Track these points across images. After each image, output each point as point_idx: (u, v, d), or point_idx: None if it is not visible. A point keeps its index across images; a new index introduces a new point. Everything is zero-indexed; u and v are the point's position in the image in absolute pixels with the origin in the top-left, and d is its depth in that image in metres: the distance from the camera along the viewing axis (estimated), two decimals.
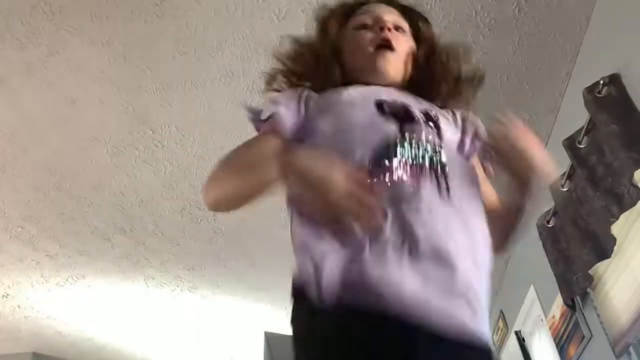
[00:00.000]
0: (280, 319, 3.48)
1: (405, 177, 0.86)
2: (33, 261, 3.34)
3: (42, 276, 3.48)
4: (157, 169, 2.76)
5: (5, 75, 2.28)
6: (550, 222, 2.33)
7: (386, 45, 1.09)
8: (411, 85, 1.12)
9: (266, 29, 2.15)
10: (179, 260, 3.38)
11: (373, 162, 0.87)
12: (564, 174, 2.19)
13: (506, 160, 0.94)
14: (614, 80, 1.87)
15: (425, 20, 1.23)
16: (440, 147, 0.93)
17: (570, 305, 2.23)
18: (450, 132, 1.02)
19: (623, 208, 1.73)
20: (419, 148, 0.91)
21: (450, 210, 0.86)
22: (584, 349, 2.16)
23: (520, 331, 2.80)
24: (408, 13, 1.20)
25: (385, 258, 0.77)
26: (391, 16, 1.15)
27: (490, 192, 1.06)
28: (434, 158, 0.91)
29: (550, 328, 2.47)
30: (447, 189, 0.87)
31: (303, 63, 1.16)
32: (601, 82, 1.88)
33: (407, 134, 0.92)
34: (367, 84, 1.07)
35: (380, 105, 0.97)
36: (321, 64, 1.13)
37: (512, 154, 0.93)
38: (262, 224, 3.07)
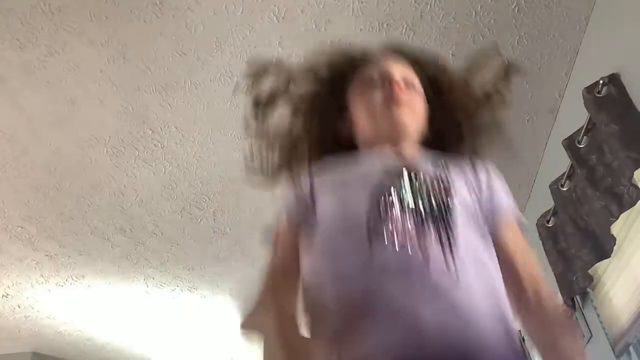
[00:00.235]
0: None
1: (409, 242, 0.80)
2: (33, 261, 3.34)
3: (42, 276, 3.48)
4: (157, 169, 2.76)
5: (5, 75, 2.28)
6: (550, 222, 2.33)
7: (396, 102, 1.02)
8: (425, 142, 1.05)
9: (266, 29, 2.15)
10: (179, 260, 3.38)
11: (373, 217, 0.83)
12: (564, 174, 2.19)
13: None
14: (614, 80, 1.87)
15: (441, 66, 1.14)
16: (450, 206, 0.86)
17: (570, 305, 2.23)
18: (465, 191, 0.93)
19: (623, 208, 1.73)
20: (424, 202, 0.85)
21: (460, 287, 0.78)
22: (584, 348, 2.16)
23: (520, 331, 2.80)
24: (419, 63, 1.11)
25: None
26: (399, 70, 1.06)
27: (523, 263, 0.92)
28: (442, 218, 0.84)
29: None
30: (453, 258, 0.80)
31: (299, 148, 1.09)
32: (601, 81, 1.88)
33: (416, 184, 0.87)
34: (381, 142, 1.01)
35: (386, 168, 0.92)
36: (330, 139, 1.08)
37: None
38: (262, 224, 3.07)
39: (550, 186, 2.29)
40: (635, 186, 1.69)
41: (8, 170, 2.72)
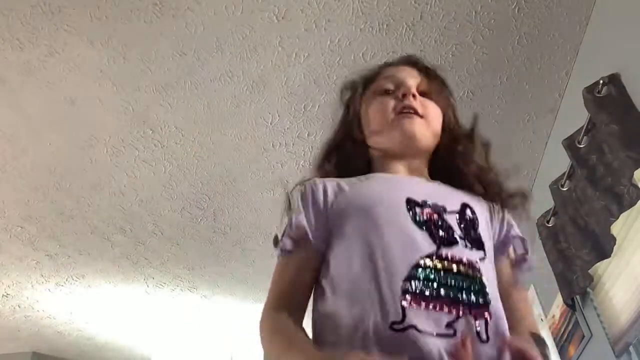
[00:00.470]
0: None
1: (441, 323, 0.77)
2: (33, 261, 3.34)
3: (42, 276, 3.48)
4: (157, 169, 2.76)
5: (5, 75, 2.28)
6: (550, 221, 2.33)
7: (410, 112, 1.01)
8: (438, 167, 1.04)
9: (266, 29, 2.15)
10: (179, 260, 3.39)
11: (403, 300, 0.78)
12: (564, 173, 2.19)
13: None
14: (614, 80, 1.87)
15: (449, 89, 1.13)
16: (481, 273, 0.83)
17: (570, 304, 2.23)
18: (486, 232, 0.92)
19: (623, 208, 1.73)
20: (457, 280, 0.81)
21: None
22: (583, 348, 2.16)
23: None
24: (434, 76, 1.11)
25: None
26: (415, 80, 1.06)
27: (517, 302, 0.94)
28: (475, 297, 0.81)
29: (550, 328, 2.47)
30: (487, 330, 0.79)
31: (332, 163, 1.05)
32: (601, 81, 1.88)
33: (445, 262, 0.82)
34: (393, 157, 1.01)
35: (411, 207, 0.88)
36: (346, 150, 1.05)
37: None
38: (262, 223, 3.08)
39: (550, 186, 2.29)
40: (635, 186, 1.69)
41: (8, 170, 2.72)
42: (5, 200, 2.89)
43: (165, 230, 3.14)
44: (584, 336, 2.15)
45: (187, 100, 2.43)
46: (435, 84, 1.09)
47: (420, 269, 0.81)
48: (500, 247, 0.97)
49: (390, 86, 1.06)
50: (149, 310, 3.89)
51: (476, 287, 0.81)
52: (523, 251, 0.98)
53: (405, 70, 1.09)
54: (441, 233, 0.86)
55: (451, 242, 0.85)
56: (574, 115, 2.12)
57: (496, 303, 0.83)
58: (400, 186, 0.95)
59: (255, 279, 3.52)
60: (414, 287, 0.79)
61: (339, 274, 0.86)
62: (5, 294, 3.64)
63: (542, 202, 2.47)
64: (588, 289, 2.11)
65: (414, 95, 1.02)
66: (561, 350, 2.34)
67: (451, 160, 1.05)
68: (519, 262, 0.98)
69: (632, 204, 1.69)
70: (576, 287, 2.07)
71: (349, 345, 0.76)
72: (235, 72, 2.32)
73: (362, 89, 1.12)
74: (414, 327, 0.75)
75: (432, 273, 0.80)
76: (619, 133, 1.75)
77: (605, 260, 1.92)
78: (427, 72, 1.11)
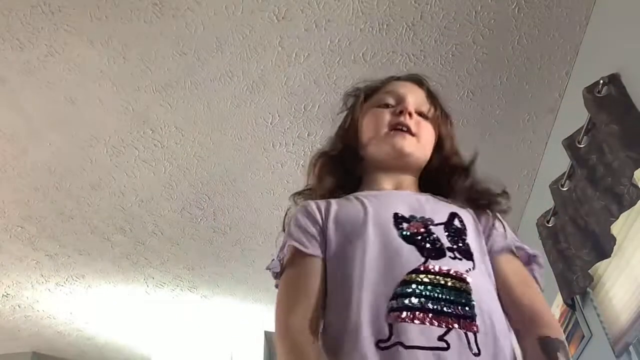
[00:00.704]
0: None
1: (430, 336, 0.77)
2: (33, 261, 3.34)
3: (42, 276, 3.48)
4: (157, 169, 2.76)
5: (5, 75, 2.28)
6: (550, 221, 2.33)
7: (403, 130, 1.02)
8: (427, 180, 1.06)
9: (266, 29, 2.15)
10: (179, 260, 3.39)
11: (390, 314, 0.79)
12: (564, 173, 2.19)
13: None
14: (614, 79, 1.87)
15: (449, 118, 1.13)
16: (468, 284, 0.83)
17: (570, 304, 2.23)
18: (476, 242, 0.92)
19: (623, 208, 1.73)
20: (444, 293, 0.81)
21: None
22: (583, 348, 2.16)
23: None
24: (434, 99, 1.12)
25: None
26: (415, 98, 1.07)
27: (529, 297, 0.91)
28: (462, 309, 0.81)
29: None
30: (477, 342, 0.78)
31: (330, 178, 1.07)
32: (601, 81, 1.88)
33: (432, 275, 0.82)
34: (382, 169, 1.03)
35: (398, 223, 0.89)
36: (340, 154, 1.08)
37: None
38: (262, 223, 3.08)
39: (550, 186, 2.29)
40: (635, 186, 1.69)
41: (8, 170, 2.72)
42: (5, 200, 2.89)
43: (165, 230, 3.14)
44: (584, 336, 2.15)
45: (187, 100, 2.43)
46: (434, 109, 1.10)
47: (406, 286, 0.81)
48: (499, 251, 0.96)
49: (391, 101, 1.08)
50: (149, 310, 3.89)
51: (463, 300, 0.81)
52: (525, 255, 0.98)
53: (408, 87, 1.10)
54: (428, 246, 0.86)
55: (439, 254, 0.85)
56: (574, 115, 2.12)
57: (486, 315, 0.82)
58: (387, 202, 0.96)
59: (255, 279, 3.52)
60: (400, 304, 0.79)
61: (331, 291, 0.87)
62: (5, 294, 3.64)
63: (542, 202, 2.48)
64: (588, 289, 2.11)
65: (410, 114, 1.04)
66: None
67: (441, 175, 1.06)
68: (526, 264, 0.98)
69: (632, 204, 1.69)
70: (576, 287, 2.07)
71: None
72: (235, 72, 2.32)
73: (364, 98, 1.13)
74: (401, 343, 0.76)
75: (418, 288, 0.81)
76: (619, 133, 1.75)
77: (605, 260, 1.92)
78: (430, 94, 1.12)
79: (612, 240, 1.81)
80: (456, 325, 0.78)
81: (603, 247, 1.87)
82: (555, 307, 2.40)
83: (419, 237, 0.87)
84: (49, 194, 2.86)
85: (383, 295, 0.81)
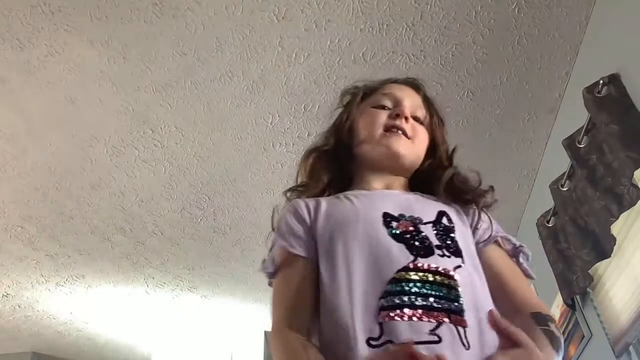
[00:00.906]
0: None
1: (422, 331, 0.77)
2: (33, 261, 3.34)
3: (42, 276, 3.48)
4: (157, 169, 2.76)
5: (5, 75, 2.28)
6: (550, 221, 2.33)
7: (398, 132, 1.04)
8: (416, 179, 1.07)
9: (266, 29, 2.15)
10: (179, 260, 3.38)
11: (382, 309, 0.79)
12: (564, 173, 2.19)
13: None
14: (614, 80, 1.87)
15: (442, 121, 1.14)
16: (456, 281, 0.84)
17: (570, 304, 2.23)
18: (464, 239, 0.93)
19: (623, 208, 1.73)
20: (433, 289, 0.82)
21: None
22: (583, 348, 2.16)
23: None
24: (430, 104, 1.13)
25: None
26: (412, 102, 1.09)
27: (521, 290, 0.93)
28: (450, 304, 0.81)
29: None
30: (466, 337, 0.78)
31: (319, 177, 1.08)
32: (601, 81, 1.88)
33: (421, 272, 0.83)
34: (374, 169, 1.04)
35: (387, 222, 0.91)
36: (333, 151, 1.09)
37: None
38: (262, 223, 3.08)
39: (550, 186, 2.29)
40: (635, 186, 1.69)
41: (8, 170, 2.72)
42: (5, 200, 2.89)
43: (165, 230, 3.14)
44: (584, 336, 2.15)
45: (187, 100, 2.43)
46: (430, 114, 1.11)
47: (396, 283, 0.82)
48: (485, 242, 0.98)
49: (388, 103, 1.09)
50: (149, 310, 3.89)
51: (452, 296, 0.82)
52: (511, 246, 1.00)
53: (405, 91, 1.11)
54: (417, 244, 0.87)
55: (427, 252, 0.86)
56: (574, 115, 2.12)
57: (474, 310, 0.82)
58: (377, 201, 0.97)
59: (255, 279, 3.52)
60: (390, 302, 0.80)
61: (324, 292, 0.88)
62: (5, 294, 3.64)
63: (542, 202, 2.48)
64: (588, 289, 2.11)
65: (406, 118, 1.05)
66: None
67: (431, 176, 1.07)
68: (512, 255, 1.00)
69: (632, 204, 1.69)
70: (576, 287, 2.07)
71: None
72: (235, 72, 2.32)
73: (361, 97, 1.14)
74: (391, 341, 0.76)
75: (408, 285, 0.82)
76: (619, 133, 1.75)
77: (605, 260, 1.92)
78: (426, 99, 1.13)
79: (612, 240, 1.81)
80: (447, 320, 0.79)
81: (603, 247, 1.87)
82: (555, 307, 2.40)
83: (408, 236, 0.89)
84: (49, 194, 2.86)
85: (373, 293, 0.82)
